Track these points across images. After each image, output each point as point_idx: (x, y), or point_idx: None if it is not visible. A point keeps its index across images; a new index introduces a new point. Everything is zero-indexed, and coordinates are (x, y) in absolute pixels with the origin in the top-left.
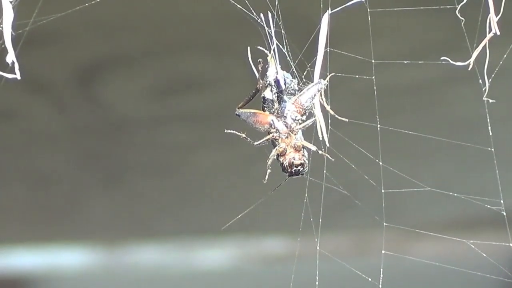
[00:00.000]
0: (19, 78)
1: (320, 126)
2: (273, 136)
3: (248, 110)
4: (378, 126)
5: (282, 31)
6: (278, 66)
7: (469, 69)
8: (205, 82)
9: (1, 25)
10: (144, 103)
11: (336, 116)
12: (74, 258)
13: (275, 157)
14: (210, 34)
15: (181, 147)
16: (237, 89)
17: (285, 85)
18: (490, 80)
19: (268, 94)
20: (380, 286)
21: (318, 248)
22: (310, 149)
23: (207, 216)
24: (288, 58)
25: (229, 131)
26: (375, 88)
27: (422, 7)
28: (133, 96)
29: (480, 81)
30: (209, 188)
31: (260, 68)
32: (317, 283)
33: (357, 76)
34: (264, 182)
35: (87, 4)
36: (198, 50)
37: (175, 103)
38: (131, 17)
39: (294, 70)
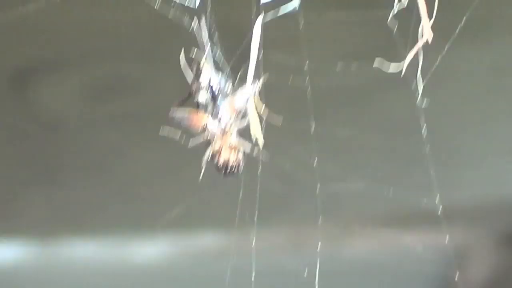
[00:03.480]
0: None
1: (254, 127)
2: (207, 136)
3: (183, 112)
4: (313, 126)
5: (216, 34)
6: (213, 69)
7: (402, 75)
8: (141, 86)
9: None
10: (79, 105)
11: (270, 117)
12: (9, 253)
13: (210, 157)
14: (144, 38)
15: (116, 146)
16: (172, 91)
17: (219, 87)
18: (423, 85)
19: (203, 96)
20: (316, 282)
21: (253, 244)
22: (245, 149)
23: (143, 213)
24: (222, 60)
25: (164, 131)
26: (308, 91)
27: (355, 14)
28: (67, 98)
29: (413, 86)
30: (145, 185)
31: (194, 70)
32: (253, 279)
33: (290, 78)
34: (200, 179)
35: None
36: (133, 54)
37: (110, 106)
38: (66, 22)
39: (228, 72)
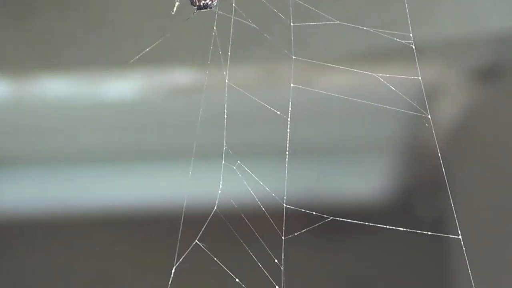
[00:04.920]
0: None
1: None
2: None
3: None
4: None
5: None
6: None
7: None
8: None
9: None
10: None
11: None
12: None
13: None
14: None
15: None
16: None
17: None
18: None
19: None
20: (289, 119)
21: (226, 81)
22: None
23: (116, 48)
24: None
25: None
26: None
27: None
28: None
29: None
30: (118, 20)
31: None
32: (225, 116)
33: None
34: (173, 13)
35: None
36: None
37: None
38: None
39: None
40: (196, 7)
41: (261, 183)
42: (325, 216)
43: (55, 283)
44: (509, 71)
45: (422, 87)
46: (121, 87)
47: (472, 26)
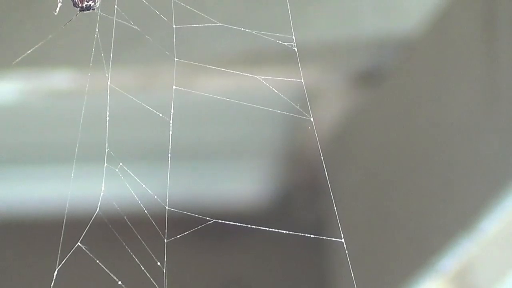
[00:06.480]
0: None
1: None
2: None
3: None
4: None
5: None
6: None
7: None
8: None
9: None
10: None
11: None
12: None
13: None
14: None
15: None
16: None
17: None
18: None
19: None
20: (171, 121)
21: (109, 83)
22: None
23: None
24: None
25: None
26: None
27: None
28: None
29: None
30: None
31: None
32: (107, 118)
33: None
34: (55, 14)
35: None
36: None
37: None
38: None
39: None
40: (78, 9)
41: (144, 186)
42: (207, 218)
43: None
44: (389, 74)
45: (305, 90)
46: (0, 89)
47: (353, 29)
